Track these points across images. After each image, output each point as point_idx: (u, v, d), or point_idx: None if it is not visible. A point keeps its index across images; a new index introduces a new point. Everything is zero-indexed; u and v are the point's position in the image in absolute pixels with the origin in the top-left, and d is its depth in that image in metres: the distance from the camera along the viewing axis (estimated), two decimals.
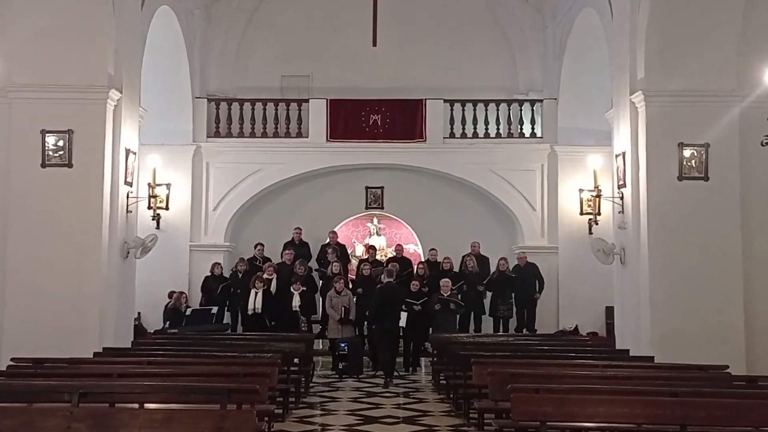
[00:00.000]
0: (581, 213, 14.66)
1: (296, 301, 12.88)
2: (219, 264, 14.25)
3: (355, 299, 12.90)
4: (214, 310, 13.50)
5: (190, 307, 13.70)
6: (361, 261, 14.54)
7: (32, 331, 9.73)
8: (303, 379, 10.24)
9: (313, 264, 14.38)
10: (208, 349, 9.19)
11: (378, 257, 14.99)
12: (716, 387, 6.78)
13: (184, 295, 13.83)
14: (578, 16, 13.61)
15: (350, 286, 13.44)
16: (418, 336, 12.81)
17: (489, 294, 14.05)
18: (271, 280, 13.43)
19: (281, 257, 14.24)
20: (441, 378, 10.72)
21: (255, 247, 14.56)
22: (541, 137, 15.44)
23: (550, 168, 15.22)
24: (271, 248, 14.70)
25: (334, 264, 13.48)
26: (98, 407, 5.59)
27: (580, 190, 14.63)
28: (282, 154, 15.30)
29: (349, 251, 15.72)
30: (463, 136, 15.45)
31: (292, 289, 12.98)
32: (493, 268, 14.17)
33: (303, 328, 12.72)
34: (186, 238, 14.93)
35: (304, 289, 13.11)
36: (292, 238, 14.67)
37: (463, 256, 14.17)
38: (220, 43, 16.13)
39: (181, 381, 6.71)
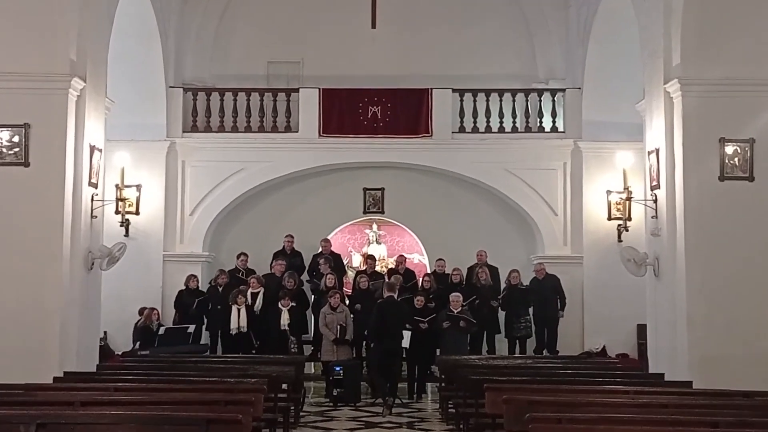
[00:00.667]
0: (609, 218, 14.67)
1: (285, 319, 12.86)
2: (195, 276, 14.24)
3: (352, 316, 12.89)
4: (191, 328, 13.48)
5: (163, 325, 13.68)
6: (358, 273, 14.54)
7: None
8: (292, 407, 10.18)
9: (304, 277, 14.37)
10: (183, 374, 9.19)
11: (378, 269, 15.00)
12: (762, 416, 6.75)
13: (156, 311, 13.81)
14: None
15: (347, 302, 13.43)
16: (424, 358, 12.79)
17: (502, 311, 14.05)
18: (257, 294, 13.43)
19: (270, 268, 14.24)
20: (450, 406, 10.71)
21: (237, 258, 14.57)
22: (563, 132, 15.46)
23: (574, 167, 15.24)
24: (256, 259, 14.71)
25: (328, 276, 13.47)
26: None
27: (608, 192, 14.64)
28: (268, 151, 15.31)
29: (344, 262, 15.72)
30: (475, 130, 15.46)
31: (280, 305, 12.97)
32: (503, 281, 14.21)
33: (292, 350, 12.71)
34: (159, 247, 14.93)
35: (294, 305, 13.11)
36: (283, 246, 14.67)
37: (474, 268, 14.17)
38: (198, 25, 16.16)
39: (154, 410, 6.68)
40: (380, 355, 11.96)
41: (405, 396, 12.52)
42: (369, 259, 14.88)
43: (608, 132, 14.85)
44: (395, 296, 12.24)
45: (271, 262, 14.38)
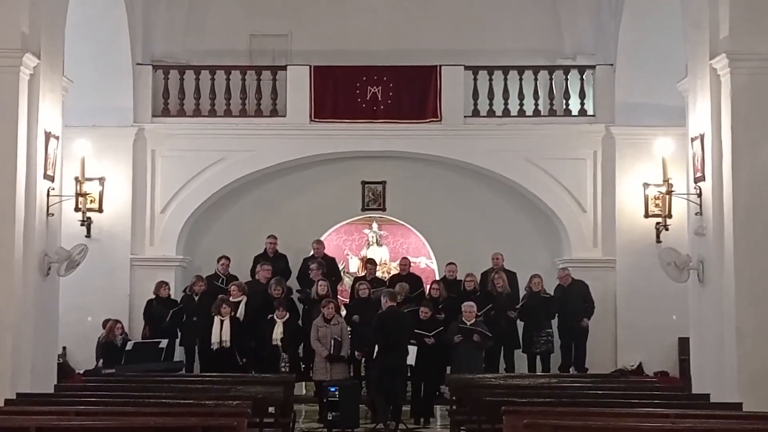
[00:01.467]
0: (646, 215, 14.69)
1: (278, 333, 12.88)
2: (167, 283, 14.24)
3: (349, 330, 12.89)
4: (163, 343, 13.50)
5: (131, 340, 13.71)
6: (356, 279, 14.54)
7: None
8: None
9: (293, 284, 14.40)
10: (155, 395, 9.20)
11: (379, 274, 15.00)
12: None
13: (121, 324, 13.83)
14: None
15: (343, 313, 13.43)
16: (432, 377, 12.80)
17: (521, 322, 14.08)
18: (238, 304, 13.44)
19: (254, 275, 14.25)
20: (462, 431, 10.76)
21: (218, 262, 14.57)
22: (592, 115, 15.47)
23: (605, 156, 15.25)
24: (239, 263, 14.73)
25: (320, 283, 13.48)
26: None
27: (645, 185, 14.65)
28: (251, 139, 15.33)
29: (340, 267, 15.72)
30: (491, 114, 15.47)
31: (275, 317, 12.99)
32: (522, 288, 14.22)
33: (283, 368, 12.73)
34: (126, 250, 14.96)
35: (289, 316, 13.10)
36: (265, 249, 14.68)
37: (490, 273, 14.19)
38: None
39: None
40: (381, 373, 11.96)
41: (410, 420, 12.53)
42: (369, 263, 14.90)
43: (645, 115, 14.85)
44: (396, 306, 12.24)
45: (253, 267, 14.40)
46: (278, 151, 15.42)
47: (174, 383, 10.71)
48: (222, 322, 12.99)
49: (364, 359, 13.05)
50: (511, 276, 14.33)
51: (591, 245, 15.25)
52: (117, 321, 13.81)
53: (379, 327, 12.01)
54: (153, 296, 14.14)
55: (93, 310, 14.28)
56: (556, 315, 14.13)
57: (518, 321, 14.01)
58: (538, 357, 14.00)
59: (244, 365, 13.09)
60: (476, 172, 15.71)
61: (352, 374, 13.05)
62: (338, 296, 14.35)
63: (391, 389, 11.89)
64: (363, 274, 14.70)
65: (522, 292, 14.28)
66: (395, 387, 11.95)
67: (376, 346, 12.20)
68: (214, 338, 12.94)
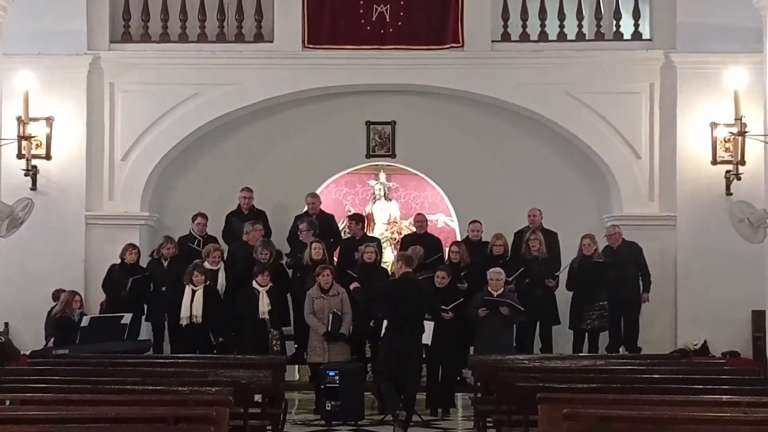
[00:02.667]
0: (714, 162, 14.69)
1: (264, 305, 12.94)
2: (135, 247, 14.27)
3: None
4: (127, 318, 13.56)
5: (87, 314, 13.74)
6: (356, 240, 14.41)
7: None
8: (269, 427, 10.28)
9: (283, 247, 14.46)
10: (117, 381, 9.22)
11: (387, 235, 15.04)
12: None
13: (77, 296, 13.88)
14: None
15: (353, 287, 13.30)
16: (452, 359, 12.86)
17: (568, 291, 14.07)
18: (216, 272, 13.51)
19: (227, 235, 14.31)
20: (489, 423, 10.80)
21: (193, 220, 14.58)
22: (649, 39, 15.38)
23: (665, 89, 15.17)
24: (218, 221, 14.78)
25: (315, 246, 13.49)
26: None
27: (713, 125, 14.63)
28: (232, 70, 15.28)
29: (341, 227, 15.73)
30: (524, 38, 15.40)
31: (256, 285, 13.04)
32: (569, 253, 14.19)
33: (275, 347, 12.80)
34: (80, 206, 14.98)
35: (273, 285, 13.15)
36: (239, 205, 14.75)
37: (523, 233, 14.17)
38: None
39: (75, 431, 6.73)
40: (391, 354, 11.98)
41: (425, 411, 12.59)
42: (353, 220, 14.79)
43: (713, 40, 14.76)
44: (411, 273, 12.19)
45: (226, 226, 14.52)
46: (264, 85, 15.38)
47: (140, 366, 10.81)
48: (194, 293, 13.05)
49: (368, 340, 13.16)
50: (552, 237, 14.33)
51: (646, 199, 15.23)
52: (74, 292, 13.83)
53: (388, 299, 12.01)
54: (117, 262, 14.17)
55: (41, 278, 14.31)
56: None
57: (563, 290, 14.03)
58: (585, 335, 14.05)
59: (222, 345, 13.17)
60: (506, 111, 15.66)
61: (355, 356, 13.08)
62: (333, 258, 14.31)
63: (402, 373, 11.87)
64: (349, 235, 14.69)
65: (563, 257, 14.29)
66: (407, 371, 11.92)
67: (385, 322, 12.20)
68: (183, 312, 13.04)
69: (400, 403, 11.62)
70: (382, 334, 12.29)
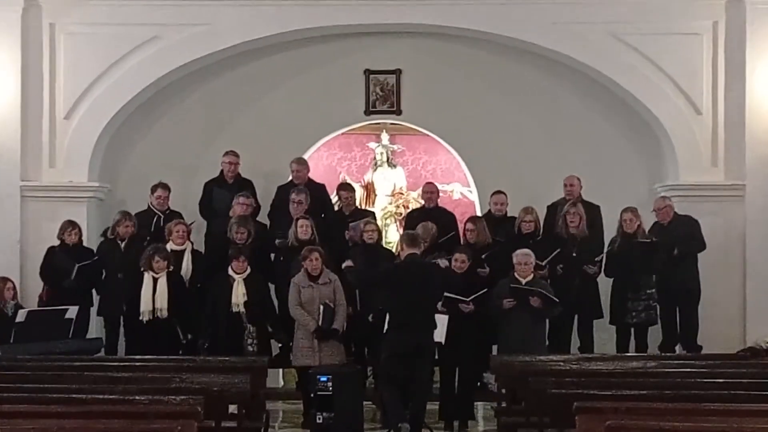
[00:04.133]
0: None
1: (239, 295, 13.08)
2: (75, 224, 14.35)
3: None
4: (72, 312, 13.64)
5: (24, 307, 13.84)
6: (345, 214, 14.54)
7: None
8: None
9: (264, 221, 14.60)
10: (61, 388, 9.23)
11: (391, 208, 15.21)
12: None
13: (11, 284, 13.98)
14: None
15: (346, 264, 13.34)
16: (471, 360, 12.92)
17: (608, 277, 14.16)
18: (181, 254, 13.68)
19: (204, 209, 14.48)
20: None
21: (152, 192, 14.68)
22: None
23: (731, 31, 15.21)
24: (184, 194, 14.95)
25: (301, 223, 13.58)
26: None
27: None
28: (200, 7, 15.31)
29: (334, 199, 15.84)
30: None
31: (231, 272, 13.19)
32: (609, 231, 14.29)
33: (249, 347, 12.98)
34: (13, 174, 15.10)
35: (252, 271, 13.29)
36: (221, 172, 14.84)
37: (558, 207, 14.27)
38: None
39: None
40: (395, 355, 12.09)
41: (438, 424, 12.71)
42: (342, 190, 14.93)
43: None
44: (419, 255, 12.31)
45: (204, 199, 14.66)
46: (240, 25, 15.41)
47: (88, 370, 10.77)
48: (156, 281, 13.19)
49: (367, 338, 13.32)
50: (594, 211, 14.40)
51: (709, 164, 15.30)
52: (6, 279, 13.95)
53: (392, 285, 12.13)
54: (57, 243, 14.25)
55: None
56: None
57: (601, 278, 14.09)
58: (632, 330, 14.16)
59: (191, 344, 13.30)
60: (537, 56, 15.73)
61: (352, 357, 13.25)
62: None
63: (409, 379, 12.00)
64: (338, 206, 14.77)
65: (606, 236, 14.37)
66: (415, 375, 12.06)
67: (387, 316, 12.32)
68: (144, 305, 13.16)
69: (406, 414, 11.74)
70: (384, 331, 12.38)
